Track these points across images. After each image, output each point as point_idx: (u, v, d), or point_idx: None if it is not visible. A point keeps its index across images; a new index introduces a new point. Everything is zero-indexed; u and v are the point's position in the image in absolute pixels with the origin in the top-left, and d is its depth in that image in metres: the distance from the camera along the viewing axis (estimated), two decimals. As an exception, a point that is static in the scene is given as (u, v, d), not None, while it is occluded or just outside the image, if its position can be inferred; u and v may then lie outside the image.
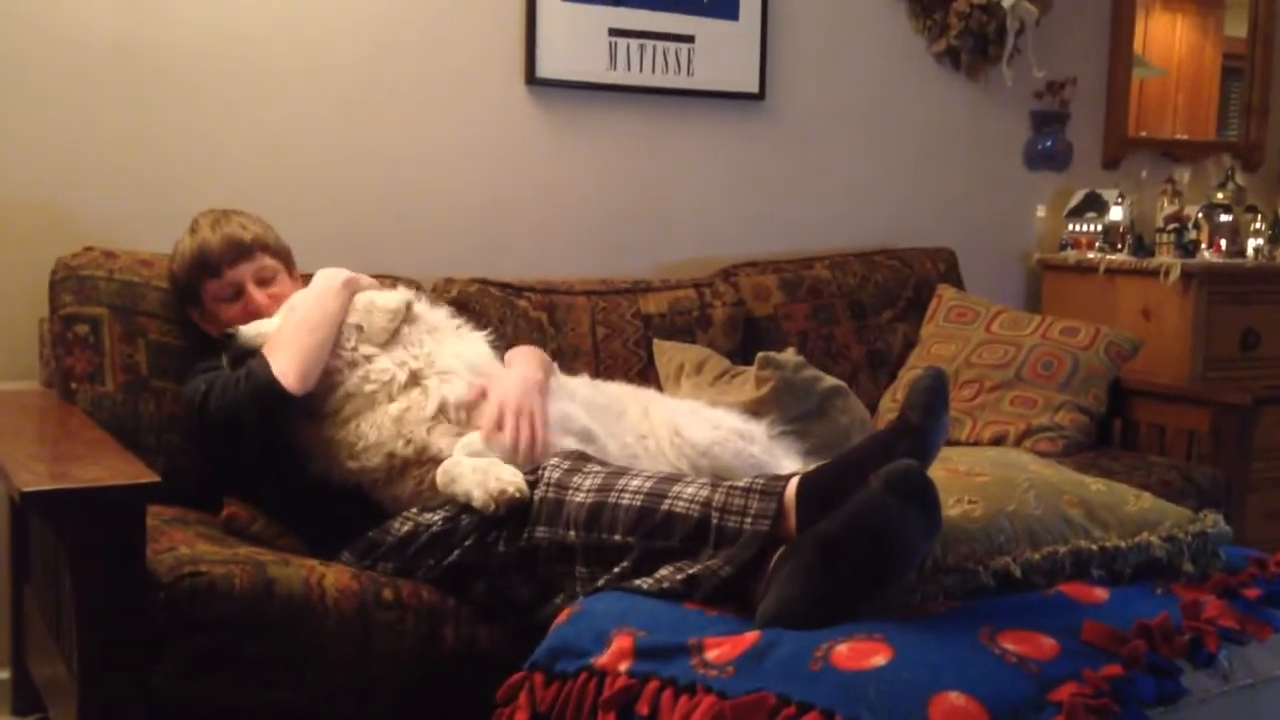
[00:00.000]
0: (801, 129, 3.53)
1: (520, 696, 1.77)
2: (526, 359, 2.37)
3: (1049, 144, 3.91)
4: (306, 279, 2.38)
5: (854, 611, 1.71)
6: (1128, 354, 3.26)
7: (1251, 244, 3.80)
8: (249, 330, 2.23)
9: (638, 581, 1.89)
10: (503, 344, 2.51)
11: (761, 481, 1.90)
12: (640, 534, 1.90)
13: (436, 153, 3.03)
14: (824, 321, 3.28)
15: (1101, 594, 1.83)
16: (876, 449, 1.85)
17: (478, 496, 2.01)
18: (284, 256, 2.44)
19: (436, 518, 2.08)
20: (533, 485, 2.02)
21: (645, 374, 2.94)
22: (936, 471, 1.86)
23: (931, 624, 1.68)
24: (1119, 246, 3.78)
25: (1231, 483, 3.04)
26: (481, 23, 3.05)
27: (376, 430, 2.17)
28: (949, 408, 1.91)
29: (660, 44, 3.25)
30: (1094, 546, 1.92)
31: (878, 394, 3.26)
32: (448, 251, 3.03)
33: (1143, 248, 3.76)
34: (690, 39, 3.29)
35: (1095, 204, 3.88)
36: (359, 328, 2.25)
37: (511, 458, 2.11)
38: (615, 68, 3.20)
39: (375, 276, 2.52)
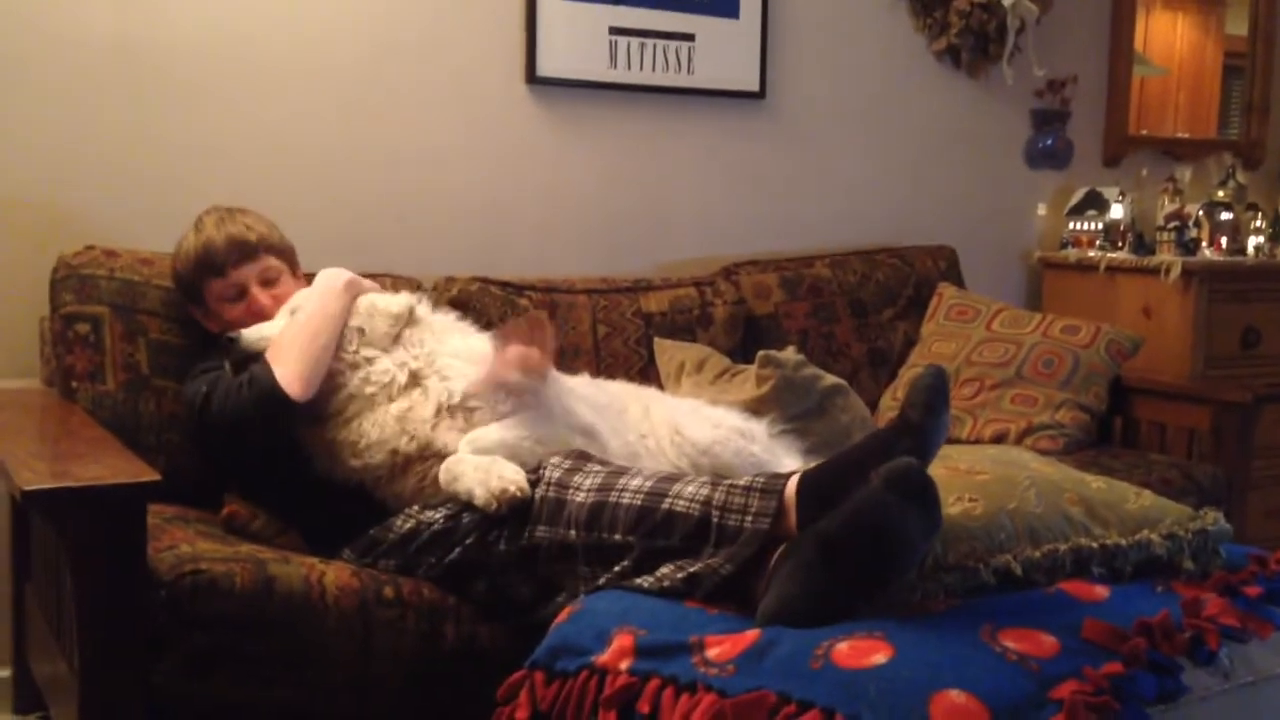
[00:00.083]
0: (802, 127, 3.53)
1: (521, 695, 1.77)
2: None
3: (1050, 142, 3.91)
4: (308, 278, 2.38)
5: (854, 610, 1.71)
6: (1128, 352, 3.26)
7: (1252, 242, 3.81)
8: (251, 334, 2.23)
9: (638, 580, 1.89)
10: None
11: (762, 480, 1.90)
12: (641, 533, 1.90)
13: (437, 152, 3.03)
14: (824, 320, 3.28)
15: (1102, 592, 1.83)
16: (877, 447, 1.85)
17: (479, 495, 2.01)
18: (288, 256, 2.44)
19: (438, 516, 2.08)
20: (534, 484, 2.03)
21: (646, 372, 2.94)
22: (937, 469, 1.87)
23: (932, 622, 1.68)
24: (1120, 245, 3.78)
25: (1232, 481, 3.04)
26: (481, 22, 3.05)
27: (379, 428, 2.17)
28: (949, 406, 1.91)
29: (660, 43, 3.25)
30: (1095, 544, 1.92)
31: (878, 392, 3.26)
32: (448, 251, 3.02)
33: (1143, 246, 3.75)
34: (691, 37, 3.29)
35: (1096, 202, 3.88)
36: (361, 331, 2.25)
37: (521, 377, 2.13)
38: (615, 66, 3.20)
39: (376, 276, 2.53)
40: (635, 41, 3.21)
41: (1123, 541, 1.94)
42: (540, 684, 1.76)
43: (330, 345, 2.21)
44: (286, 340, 2.19)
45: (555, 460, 2.07)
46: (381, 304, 2.29)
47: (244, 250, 2.35)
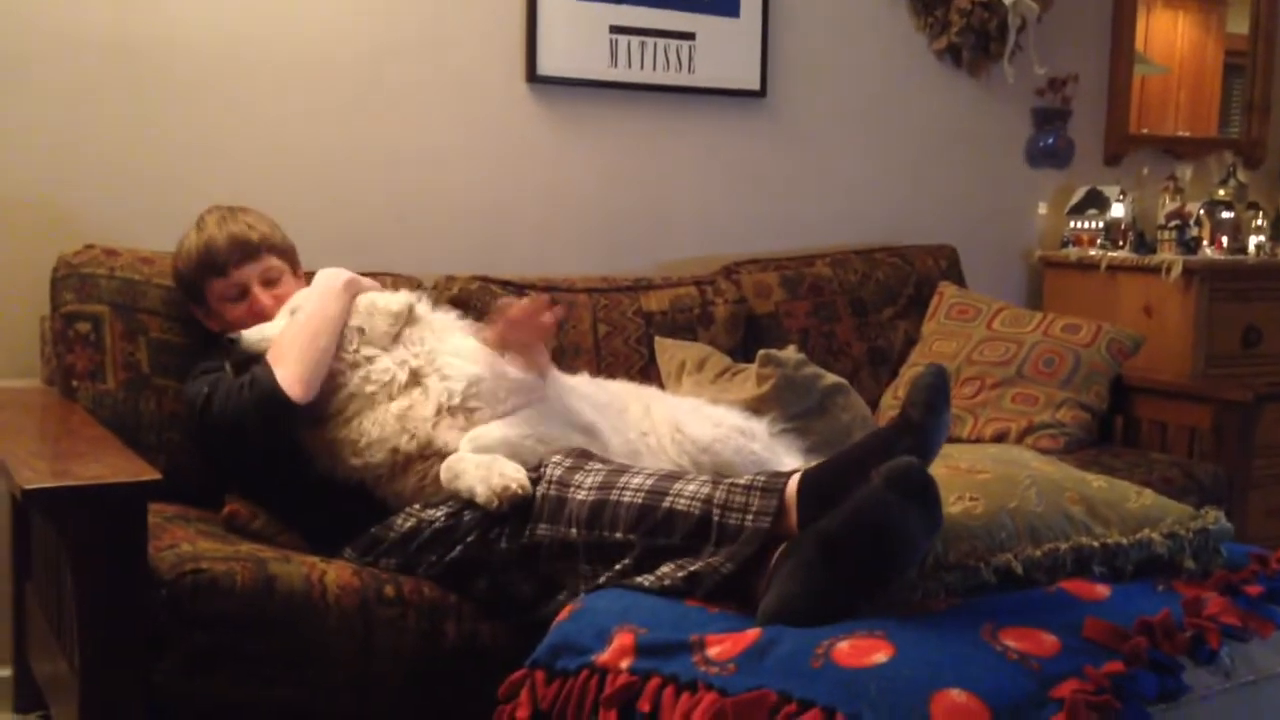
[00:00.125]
0: (803, 126, 3.53)
1: (521, 693, 1.77)
2: None
3: (1050, 141, 3.90)
4: (309, 278, 2.38)
5: (855, 609, 1.71)
6: (1129, 351, 3.26)
7: (1253, 241, 3.80)
8: (252, 335, 2.23)
9: (639, 579, 1.89)
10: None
11: (763, 479, 1.90)
12: (642, 531, 1.90)
13: (437, 151, 3.03)
14: (825, 319, 3.28)
15: (1103, 591, 1.83)
16: (878, 446, 1.85)
17: (481, 493, 2.01)
18: (289, 256, 2.44)
19: (439, 514, 2.08)
20: (535, 482, 2.03)
21: (646, 371, 2.94)
22: (938, 469, 1.87)
23: (933, 621, 1.68)
24: (1120, 243, 3.78)
25: (1233, 479, 3.04)
26: (482, 21, 3.05)
27: (379, 427, 2.16)
28: (950, 405, 1.91)
29: (661, 41, 3.25)
30: (1095, 543, 1.92)
31: (879, 391, 3.26)
32: (448, 250, 3.02)
33: (1144, 245, 3.75)
34: (691, 36, 3.29)
35: (1097, 201, 3.88)
36: (361, 330, 2.25)
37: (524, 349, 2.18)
38: (616, 65, 3.20)
39: (376, 275, 2.52)
40: (636, 40, 3.21)
41: (1124, 540, 1.94)
42: (541, 683, 1.76)
43: (330, 347, 2.21)
44: (287, 341, 2.19)
45: (556, 458, 2.07)
46: (381, 303, 2.28)
47: (246, 250, 2.34)
